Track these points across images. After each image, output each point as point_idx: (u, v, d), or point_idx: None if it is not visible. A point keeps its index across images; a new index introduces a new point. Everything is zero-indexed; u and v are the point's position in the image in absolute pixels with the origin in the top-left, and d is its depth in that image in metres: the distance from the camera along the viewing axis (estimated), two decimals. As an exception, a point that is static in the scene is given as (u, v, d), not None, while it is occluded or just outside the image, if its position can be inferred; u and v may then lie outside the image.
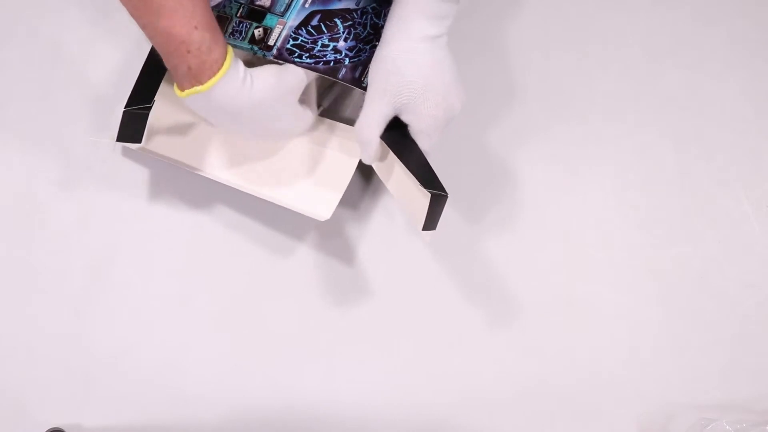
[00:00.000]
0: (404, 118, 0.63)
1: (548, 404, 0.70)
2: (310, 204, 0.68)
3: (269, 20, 0.67)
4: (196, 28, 0.57)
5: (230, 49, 0.60)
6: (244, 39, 0.67)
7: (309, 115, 0.67)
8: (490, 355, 0.71)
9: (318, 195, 0.68)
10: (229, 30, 0.68)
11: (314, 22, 0.67)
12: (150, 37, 0.58)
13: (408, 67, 0.61)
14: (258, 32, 0.67)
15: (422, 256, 0.72)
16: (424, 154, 0.65)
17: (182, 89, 0.59)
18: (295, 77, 0.63)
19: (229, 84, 0.59)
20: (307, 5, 0.67)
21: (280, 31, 0.67)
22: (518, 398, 0.70)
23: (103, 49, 0.76)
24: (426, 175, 0.64)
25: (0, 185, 0.74)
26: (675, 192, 0.74)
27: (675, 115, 0.75)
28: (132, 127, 0.66)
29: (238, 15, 0.68)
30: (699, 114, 0.75)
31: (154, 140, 0.70)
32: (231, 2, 0.68)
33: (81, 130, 0.75)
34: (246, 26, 0.67)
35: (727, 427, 0.66)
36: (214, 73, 0.58)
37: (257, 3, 0.68)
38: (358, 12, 0.66)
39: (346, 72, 0.66)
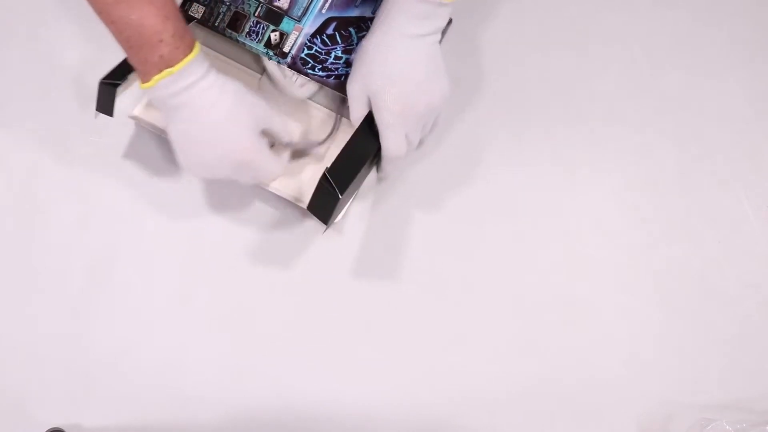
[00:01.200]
0: (372, 109, 0.64)
1: (548, 404, 0.70)
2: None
3: (286, 24, 0.68)
4: (167, 18, 0.58)
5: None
6: (260, 41, 0.68)
7: (275, 160, 0.65)
8: (490, 354, 0.71)
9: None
10: (246, 29, 0.68)
11: (329, 30, 0.67)
12: (118, 31, 0.59)
13: (378, 60, 0.62)
14: (274, 36, 0.68)
15: (422, 256, 0.72)
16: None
17: (149, 79, 0.59)
18: (255, 100, 0.63)
19: (200, 65, 0.60)
20: (324, 11, 0.67)
21: (296, 38, 0.67)
22: (518, 398, 0.70)
23: (102, 49, 0.76)
24: (340, 165, 0.64)
25: (0, 185, 0.74)
26: (675, 192, 0.74)
27: (675, 115, 0.75)
28: (104, 99, 0.66)
29: (255, 14, 0.68)
30: (699, 114, 0.75)
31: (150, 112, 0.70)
32: (248, 0, 0.68)
33: (81, 130, 0.75)
34: (263, 28, 0.68)
35: (727, 427, 0.66)
36: (186, 56, 0.59)
37: (275, 4, 0.68)
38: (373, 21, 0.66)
39: None
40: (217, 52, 0.72)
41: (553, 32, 0.77)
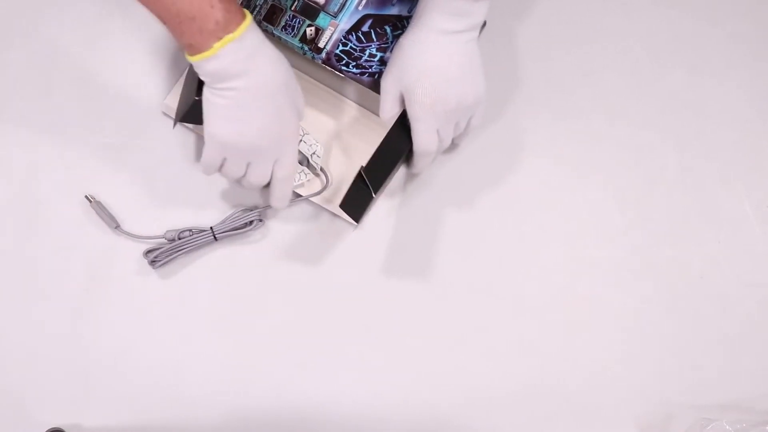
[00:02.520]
0: (405, 105, 0.64)
1: (548, 404, 0.70)
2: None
3: (322, 20, 0.68)
4: None
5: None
6: (295, 36, 0.68)
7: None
8: (491, 355, 0.71)
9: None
10: (282, 23, 0.68)
11: (365, 27, 0.67)
12: (165, 8, 0.57)
13: (412, 55, 0.63)
14: (310, 31, 0.68)
15: (422, 257, 0.72)
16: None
17: (209, 47, 0.57)
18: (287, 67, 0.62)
19: (257, 30, 0.59)
20: (360, 7, 0.67)
21: (332, 33, 0.67)
22: (518, 398, 0.70)
23: (103, 49, 0.76)
24: (376, 163, 0.64)
25: (0, 185, 0.74)
26: (675, 192, 0.74)
27: (676, 114, 0.75)
28: (196, 113, 0.64)
29: (292, 8, 0.68)
30: (700, 114, 0.75)
31: None
32: None
33: (81, 130, 0.75)
34: (299, 22, 0.67)
35: (727, 427, 0.66)
36: (242, 20, 0.58)
37: None
38: (409, 20, 0.66)
39: None
40: None
41: (553, 32, 0.77)
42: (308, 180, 0.70)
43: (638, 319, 0.71)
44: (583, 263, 0.72)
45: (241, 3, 0.68)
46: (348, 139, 0.72)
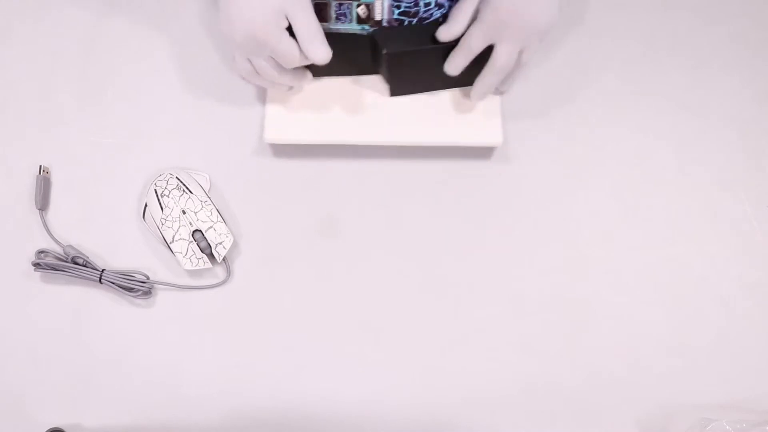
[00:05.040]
0: (476, 22, 0.64)
1: (548, 404, 0.70)
2: (479, 136, 0.70)
3: None
4: None
5: None
6: (351, 21, 0.67)
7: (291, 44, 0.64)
8: (491, 354, 0.71)
9: (480, 126, 0.70)
10: (333, 15, 0.67)
11: None
12: None
13: None
14: (362, 10, 0.67)
15: (422, 256, 0.72)
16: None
17: None
18: None
19: None
20: None
21: (381, 3, 0.67)
22: (518, 398, 0.70)
23: (103, 49, 0.76)
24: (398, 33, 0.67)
25: (0, 184, 0.74)
26: (675, 192, 0.74)
27: (675, 114, 0.75)
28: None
29: None
30: (699, 113, 0.75)
31: (306, 131, 0.71)
32: None
33: (81, 130, 0.75)
34: (347, 7, 0.67)
35: (727, 427, 0.66)
36: None
37: None
38: None
39: None
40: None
41: (553, 32, 0.77)
42: (206, 268, 0.71)
43: (638, 319, 0.71)
44: (583, 263, 0.72)
45: None
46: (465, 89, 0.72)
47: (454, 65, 0.68)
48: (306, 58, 0.64)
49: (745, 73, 0.75)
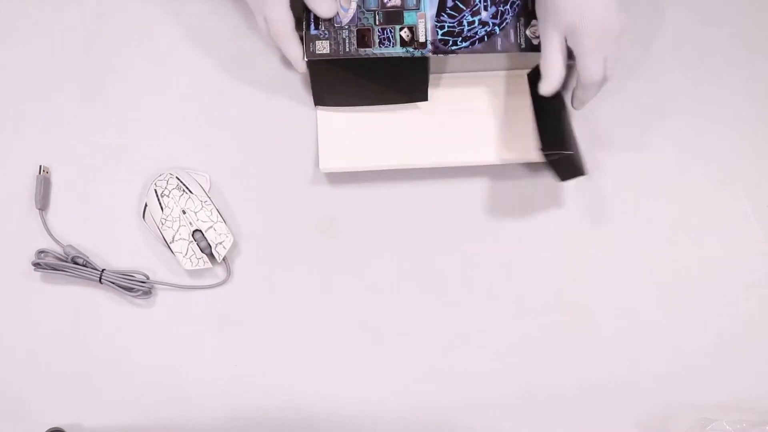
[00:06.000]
0: (569, 43, 0.64)
1: (549, 404, 0.70)
2: (526, 152, 0.70)
3: (409, 18, 0.68)
4: None
5: None
6: (395, 45, 0.68)
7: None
8: (491, 354, 0.71)
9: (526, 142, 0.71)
10: (377, 40, 0.68)
11: (449, 3, 0.67)
12: None
13: None
14: (405, 34, 0.68)
15: (422, 256, 0.72)
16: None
17: None
18: None
19: None
20: None
21: (424, 24, 0.67)
22: (518, 398, 0.70)
23: (103, 49, 0.76)
24: (546, 133, 0.68)
25: (1, 184, 0.74)
26: (675, 192, 0.74)
27: (675, 114, 0.75)
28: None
29: (377, 23, 0.68)
30: (699, 113, 0.75)
31: (363, 158, 0.71)
32: (363, 14, 0.68)
33: (81, 130, 0.75)
34: (390, 31, 0.68)
35: (727, 427, 0.66)
36: None
37: (389, 5, 0.68)
38: None
39: (502, 42, 0.67)
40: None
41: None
42: (206, 268, 0.70)
43: (638, 319, 0.71)
44: (583, 263, 0.72)
45: (330, 43, 0.68)
46: (510, 105, 0.72)
47: (589, 97, 0.68)
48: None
49: (745, 73, 0.75)
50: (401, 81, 0.70)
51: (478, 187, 0.74)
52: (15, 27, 0.76)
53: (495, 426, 0.69)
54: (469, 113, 0.72)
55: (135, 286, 0.70)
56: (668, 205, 0.73)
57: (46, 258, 0.70)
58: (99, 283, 0.70)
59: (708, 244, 0.73)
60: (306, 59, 0.68)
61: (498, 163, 0.71)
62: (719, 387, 0.70)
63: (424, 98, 0.70)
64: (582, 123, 0.75)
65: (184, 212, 0.70)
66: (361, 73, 0.70)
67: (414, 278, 0.72)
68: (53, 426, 0.68)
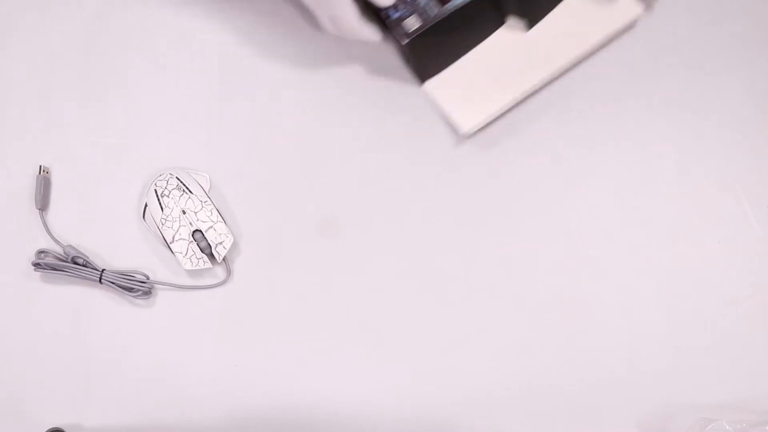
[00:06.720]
0: None
1: (548, 404, 0.70)
2: (620, 17, 0.72)
3: None
4: None
5: None
6: None
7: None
8: (490, 354, 0.71)
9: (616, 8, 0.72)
10: None
11: None
12: None
13: None
14: None
15: (422, 256, 0.72)
16: None
17: None
18: None
19: None
20: None
21: None
22: (518, 398, 0.70)
23: (103, 49, 0.76)
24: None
25: (1, 184, 0.74)
26: (675, 192, 0.74)
27: (675, 114, 0.75)
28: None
29: None
30: (699, 113, 0.75)
31: (492, 101, 0.72)
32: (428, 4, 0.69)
33: (81, 130, 0.75)
34: None
35: (727, 427, 0.66)
36: None
37: None
38: None
39: None
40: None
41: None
42: (206, 268, 0.71)
43: (638, 319, 0.71)
44: (583, 263, 0.72)
45: (418, 16, 0.68)
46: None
47: None
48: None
49: (745, 73, 0.75)
50: (481, 14, 0.70)
51: (479, 186, 0.74)
52: (15, 27, 0.77)
53: (495, 426, 0.69)
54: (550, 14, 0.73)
55: (135, 286, 0.70)
56: (668, 205, 0.73)
57: (46, 258, 0.70)
58: (99, 283, 0.70)
59: (708, 244, 0.73)
60: (405, 42, 0.68)
61: (602, 38, 0.72)
62: (719, 387, 0.70)
63: (503, 22, 0.72)
64: (582, 123, 0.75)
65: (184, 212, 0.70)
66: (446, 30, 0.70)
67: (414, 278, 0.72)
68: (53, 426, 0.68)
